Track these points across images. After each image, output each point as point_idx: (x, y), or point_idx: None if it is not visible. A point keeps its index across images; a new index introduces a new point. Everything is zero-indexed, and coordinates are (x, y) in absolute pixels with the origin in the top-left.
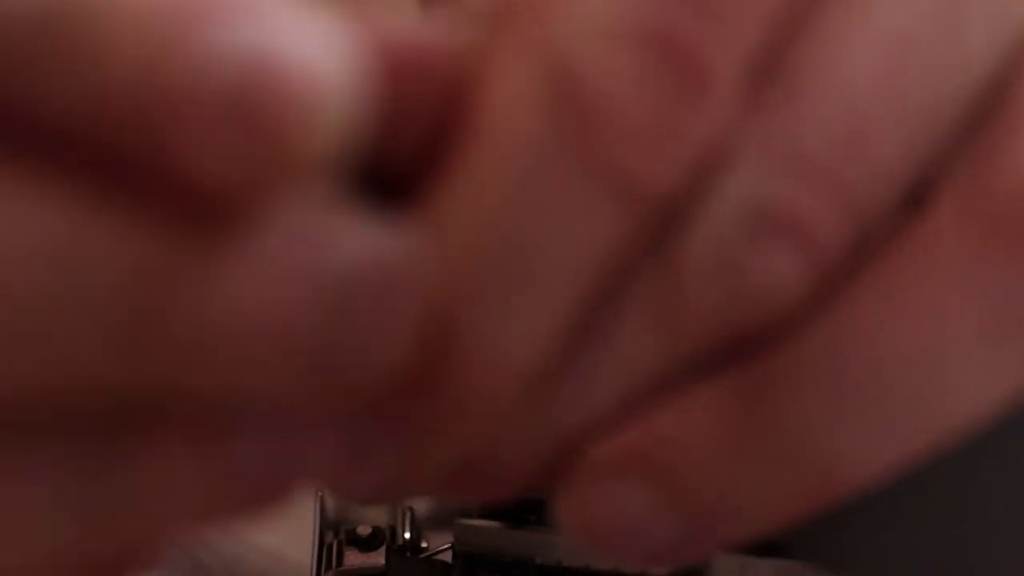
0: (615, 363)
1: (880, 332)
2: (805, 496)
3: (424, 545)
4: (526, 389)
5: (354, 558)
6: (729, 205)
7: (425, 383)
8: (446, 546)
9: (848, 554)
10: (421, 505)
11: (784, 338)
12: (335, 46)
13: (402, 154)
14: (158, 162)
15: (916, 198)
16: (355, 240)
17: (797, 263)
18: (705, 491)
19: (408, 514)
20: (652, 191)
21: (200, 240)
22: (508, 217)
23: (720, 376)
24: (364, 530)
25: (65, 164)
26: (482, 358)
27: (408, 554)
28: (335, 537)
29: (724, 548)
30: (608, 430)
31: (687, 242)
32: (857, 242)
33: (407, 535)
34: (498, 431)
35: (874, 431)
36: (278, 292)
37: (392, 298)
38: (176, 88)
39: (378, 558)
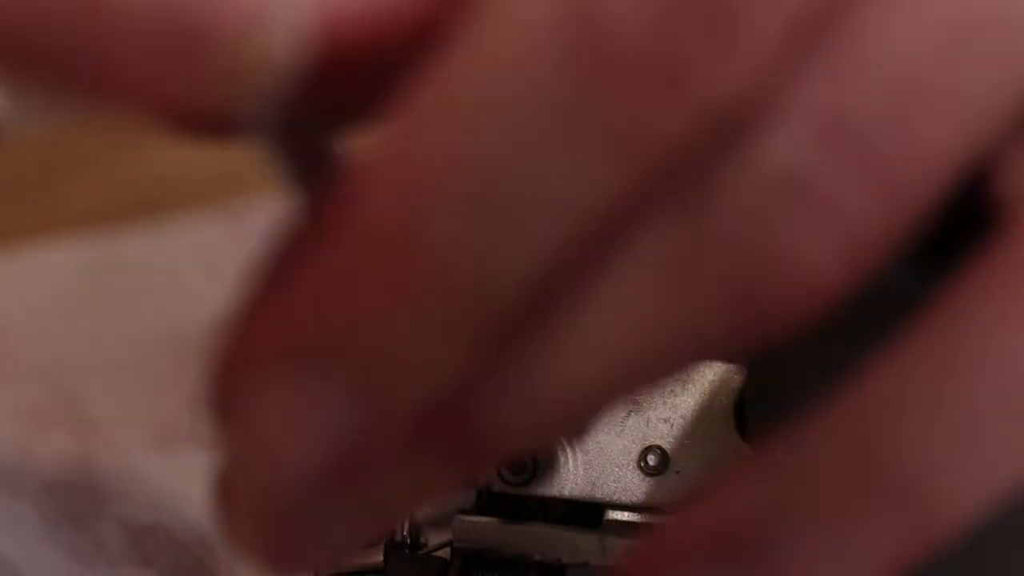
0: (617, 318)
1: (991, 353)
2: (910, 546)
3: (423, 542)
4: (502, 330)
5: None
6: (762, 170)
7: (381, 292)
8: (445, 543)
9: None
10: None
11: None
12: None
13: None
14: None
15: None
16: None
17: (828, 241)
18: (799, 560)
19: None
20: (660, 140)
21: None
22: (498, 136)
23: (796, 424)
24: None
25: None
26: (451, 267)
27: (406, 551)
28: None
29: None
30: (608, 400)
31: (713, 204)
32: (895, 234)
33: (405, 532)
34: (471, 368)
35: (986, 460)
36: None
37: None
38: (109, 11)
39: (376, 555)
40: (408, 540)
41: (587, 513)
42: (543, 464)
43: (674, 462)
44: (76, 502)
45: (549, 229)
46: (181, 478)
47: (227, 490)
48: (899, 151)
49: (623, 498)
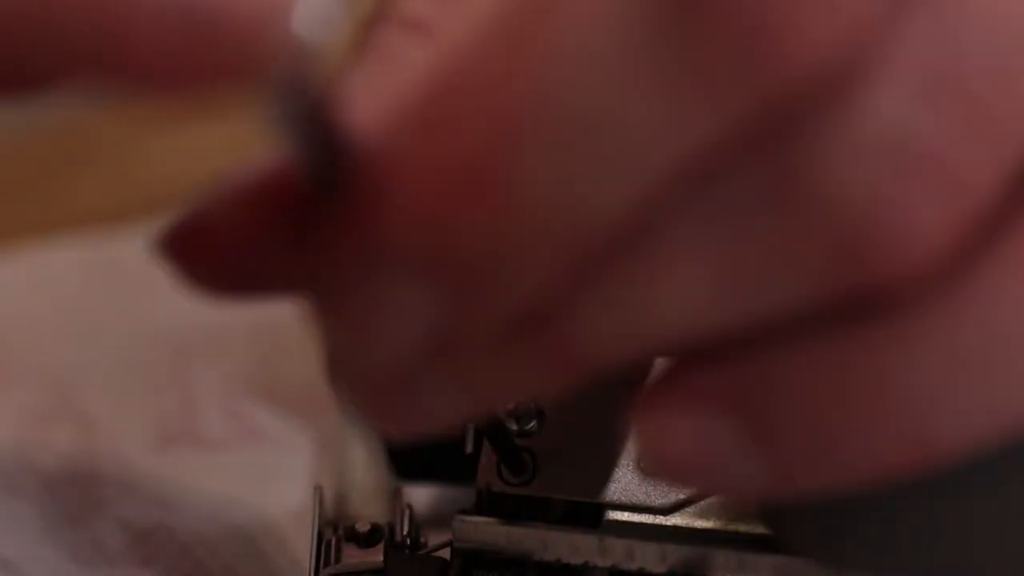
0: (706, 259)
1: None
2: (896, 459)
3: (423, 542)
4: (591, 258)
5: (352, 555)
6: (867, 127)
7: (458, 220)
8: (445, 543)
9: (848, 551)
10: (420, 502)
11: (915, 294)
12: None
13: None
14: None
15: None
16: None
17: (938, 203)
18: (797, 439)
19: (407, 511)
20: (758, 91)
21: None
22: (593, 76)
23: (831, 323)
24: (363, 527)
25: None
26: (540, 201)
27: (407, 551)
28: (333, 533)
29: (801, 498)
30: (693, 341)
31: (816, 158)
32: (1000, 194)
33: (406, 532)
34: (562, 286)
35: (987, 405)
36: None
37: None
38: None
39: (376, 555)
40: (408, 540)
41: (587, 513)
42: (543, 464)
43: None
44: (76, 502)
45: (640, 171)
46: (181, 478)
47: (338, 361)
48: (1003, 105)
49: (623, 498)
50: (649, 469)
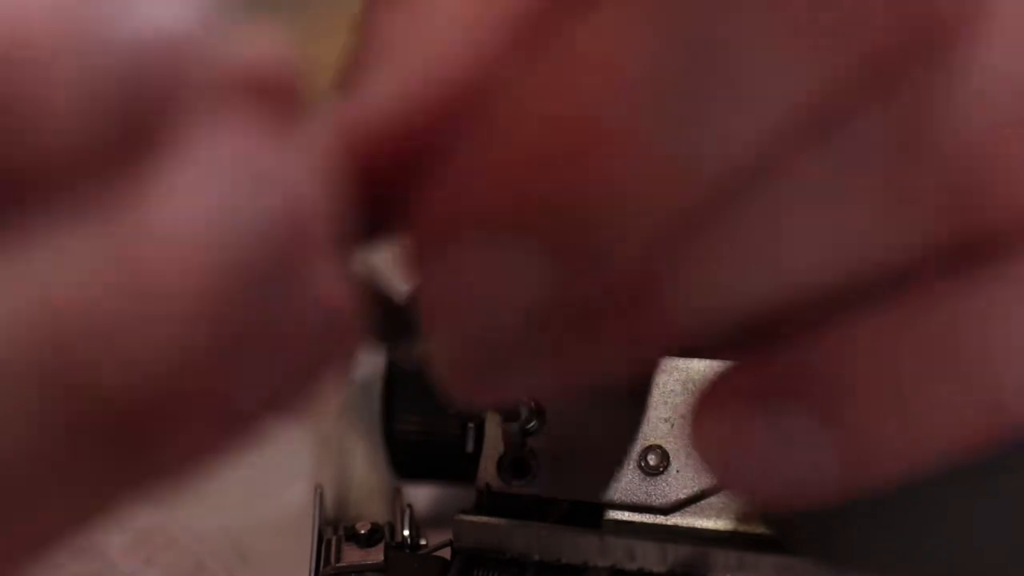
0: (820, 216)
1: None
2: (971, 428)
3: (423, 542)
4: (699, 218)
5: (353, 555)
6: (989, 77)
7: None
8: (445, 543)
9: (848, 551)
10: (420, 502)
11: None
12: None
13: None
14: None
15: None
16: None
17: None
18: (868, 420)
19: (407, 511)
20: (870, 37)
21: None
22: (703, 25)
23: (937, 273)
24: (363, 527)
25: None
26: (653, 153)
27: (407, 551)
28: (334, 533)
29: (878, 486)
30: (787, 304)
31: (937, 105)
32: None
33: (406, 532)
34: (664, 252)
35: None
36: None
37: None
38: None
39: (377, 555)
40: (408, 540)
41: (587, 513)
42: (543, 464)
43: (674, 462)
44: None
45: (751, 120)
46: None
47: (432, 323)
48: None
49: (623, 498)
50: (721, 479)
